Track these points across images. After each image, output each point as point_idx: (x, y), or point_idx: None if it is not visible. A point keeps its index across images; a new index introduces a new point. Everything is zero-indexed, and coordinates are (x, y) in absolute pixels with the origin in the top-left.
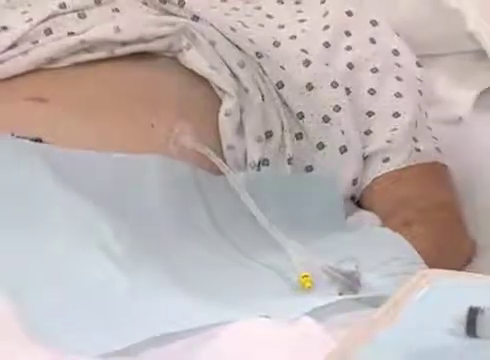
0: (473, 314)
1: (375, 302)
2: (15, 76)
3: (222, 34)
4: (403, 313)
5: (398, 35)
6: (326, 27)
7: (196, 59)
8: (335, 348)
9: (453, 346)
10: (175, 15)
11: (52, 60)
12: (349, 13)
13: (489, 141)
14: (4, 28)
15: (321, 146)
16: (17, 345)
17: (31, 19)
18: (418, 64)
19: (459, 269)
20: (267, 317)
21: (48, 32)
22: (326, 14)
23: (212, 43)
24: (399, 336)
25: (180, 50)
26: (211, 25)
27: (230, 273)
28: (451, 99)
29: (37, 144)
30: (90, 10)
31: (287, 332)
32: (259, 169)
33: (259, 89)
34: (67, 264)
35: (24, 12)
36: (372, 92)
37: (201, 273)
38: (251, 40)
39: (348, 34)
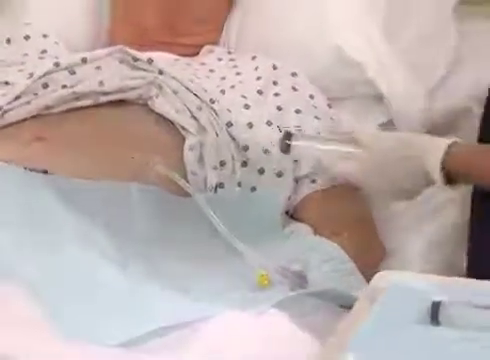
0: (436, 307)
1: (321, 295)
2: (19, 121)
3: (183, 85)
4: (376, 308)
5: (312, 83)
6: (258, 78)
7: (164, 105)
8: (328, 343)
9: (421, 332)
10: (145, 70)
11: (49, 107)
12: (274, 67)
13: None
14: (6, 83)
15: (262, 171)
16: (40, 334)
17: (31, 76)
18: (329, 106)
19: (376, 268)
20: (243, 310)
21: (45, 86)
22: (257, 68)
23: (175, 92)
24: (377, 327)
25: (150, 98)
26: (173, 78)
27: (204, 275)
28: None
29: (44, 175)
30: (78, 67)
31: (260, 322)
32: (216, 191)
33: (214, 128)
34: (77, 268)
35: (20, 70)
36: (298, 129)
37: (183, 276)
38: (204, 89)
39: (275, 83)
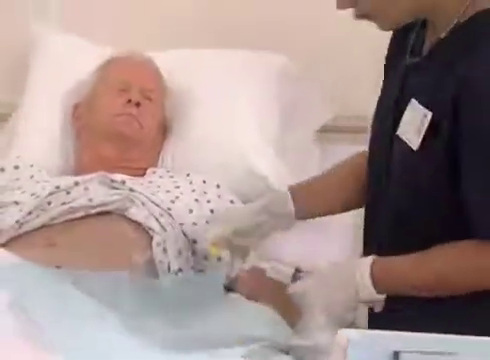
0: (396, 356)
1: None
2: (32, 230)
3: (148, 198)
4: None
5: (231, 191)
6: (193, 190)
7: (135, 213)
8: None
9: None
10: (119, 189)
11: (53, 219)
12: (204, 181)
13: None
14: (15, 202)
15: (206, 258)
16: None
17: (35, 195)
18: None
19: (295, 324)
20: None
21: (49, 203)
22: (191, 182)
23: (143, 204)
24: None
25: (125, 209)
26: (141, 193)
27: (180, 339)
28: None
29: (60, 270)
30: (72, 188)
31: None
32: (177, 274)
33: (172, 228)
34: (94, 336)
35: (23, 192)
36: None
37: (169, 339)
38: (162, 200)
39: (206, 193)
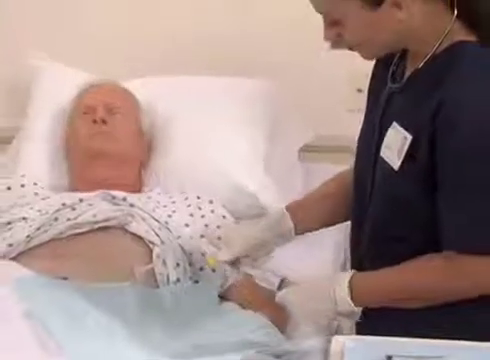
0: (389, 359)
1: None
2: (41, 244)
3: (148, 214)
4: None
5: (223, 206)
6: (188, 206)
7: (136, 228)
8: None
9: None
10: (120, 205)
11: (60, 234)
12: (198, 197)
13: None
14: (24, 218)
15: (202, 269)
16: None
17: (41, 211)
18: (237, 223)
19: (285, 329)
20: None
21: (56, 219)
22: (186, 199)
23: (143, 219)
24: None
25: (126, 223)
26: (141, 209)
27: (185, 345)
28: None
29: (67, 281)
30: (78, 205)
31: None
32: (175, 284)
33: (170, 241)
34: (105, 346)
35: (31, 208)
36: (219, 238)
37: (170, 349)
38: (160, 215)
39: (200, 208)
